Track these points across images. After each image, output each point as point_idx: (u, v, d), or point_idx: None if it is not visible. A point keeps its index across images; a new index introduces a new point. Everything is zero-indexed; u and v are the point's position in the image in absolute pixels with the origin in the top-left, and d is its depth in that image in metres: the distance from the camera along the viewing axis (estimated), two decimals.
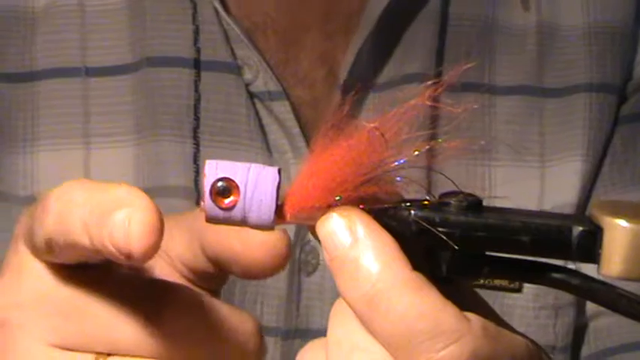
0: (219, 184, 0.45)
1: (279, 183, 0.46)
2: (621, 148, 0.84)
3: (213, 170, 0.46)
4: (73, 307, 0.49)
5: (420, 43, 0.81)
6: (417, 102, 0.46)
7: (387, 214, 0.46)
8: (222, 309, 0.50)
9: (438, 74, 0.81)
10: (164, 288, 0.50)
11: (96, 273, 0.50)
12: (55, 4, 0.79)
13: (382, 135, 0.46)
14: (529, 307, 0.81)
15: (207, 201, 0.46)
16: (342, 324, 0.46)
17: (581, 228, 0.45)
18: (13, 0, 0.79)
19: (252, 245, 0.51)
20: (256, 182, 0.45)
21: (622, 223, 0.44)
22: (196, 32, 0.78)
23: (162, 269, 0.54)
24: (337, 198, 0.46)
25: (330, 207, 0.46)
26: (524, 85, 0.83)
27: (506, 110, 0.83)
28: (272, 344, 0.78)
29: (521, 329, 0.80)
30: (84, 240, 0.45)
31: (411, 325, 0.44)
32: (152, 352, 0.49)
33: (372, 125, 0.45)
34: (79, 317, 0.49)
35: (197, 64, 0.78)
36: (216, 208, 0.46)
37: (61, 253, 0.48)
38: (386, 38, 0.80)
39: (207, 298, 0.50)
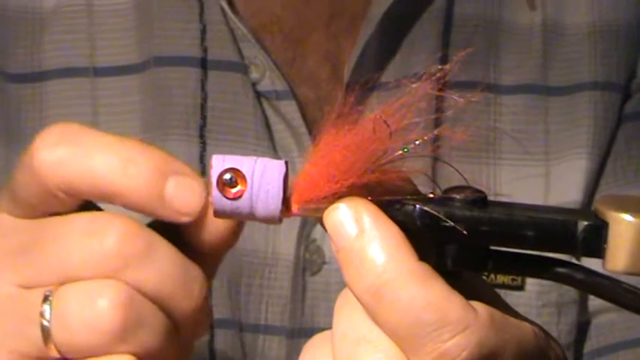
0: (226, 175, 0.46)
1: (285, 174, 0.46)
2: (624, 145, 0.84)
3: (220, 162, 0.46)
4: (31, 244, 0.50)
5: (424, 43, 0.81)
6: (420, 92, 0.46)
7: (393, 207, 0.46)
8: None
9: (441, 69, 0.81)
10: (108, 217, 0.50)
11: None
12: (63, 4, 0.80)
13: (386, 124, 0.46)
14: (532, 305, 0.81)
15: (214, 192, 0.46)
16: (347, 316, 0.46)
17: (586, 222, 0.45)
18: (22, 0, 0.79)
19: None
20: (263, 173, 0.45)
21: (627, 217, 0.44)
22: (203, 31, 0.79)
23: None
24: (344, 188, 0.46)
25: (337, 198, 0.46)
26: (529, 83, 0.83)
27: (512, 109, 0.83)
28: (277, 343, 0.78)
29: None
30: (115, 182, 0.47)
31: (417, 316, 0.44)
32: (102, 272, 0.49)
33: (376, 114, 0.45)
34: (36, 254, 0.49)
35: (204, 64, 0.78)
36: (224, 199, 0.46)
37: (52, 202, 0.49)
38: (390, 38, 0.80)
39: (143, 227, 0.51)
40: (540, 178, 0.83)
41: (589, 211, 0.46)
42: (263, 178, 0.46)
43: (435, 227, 0.46)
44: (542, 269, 0.47)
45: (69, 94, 0.79)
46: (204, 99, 0.79)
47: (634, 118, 0.85)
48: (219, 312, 0.78)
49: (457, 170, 0.48)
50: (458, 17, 0.82)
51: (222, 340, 0.78)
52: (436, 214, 0.46)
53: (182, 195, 0.48)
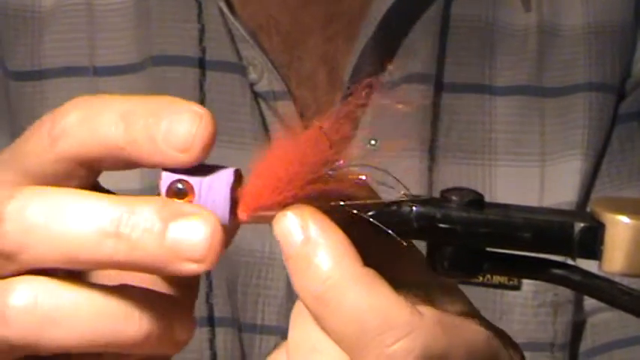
0: (176, 185, 0.45)
1: (233, 183, 0.45)
2: (618, 146, 0.84)
3: (170, 174, 0.45)
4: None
5: (421, 44, 0.81)
6: (358, 101, 0.46)
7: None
8: None
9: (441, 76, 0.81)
10: None
11: None
12: (63, 3, 0.80)
13: (325, 135, 0.45)
14: (528, 305, 0.82)
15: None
16: (300, 326, 0.46)
17: (582, 224, 0.45)
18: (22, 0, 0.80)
19: None
20: (210, 183, 0.45)
21: (623, 219, 0.45)
22: (202, 32, 0.79)
23: None
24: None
25: (284, 206, 0.45)
26: (524, 85, 0.83)
27: (506, 110, 0.83)
28: (273, 343, 0.78)
29: (520, 327, 0.81)
30: (114, 136, 0.44)
31: (360, 321, 0.44)
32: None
33: (316, 126, 0.45)
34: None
35: (202, 64, 0.79)
36: None
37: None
38: (389, 40, 0.80)
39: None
40: (535, 179, 0.83)
41: (585, 212, 0.46)
42: (211, 189, 0.45)
43: (432, 229, 0.46)
44: (539, 271, 0.48)
45: (68, 94, 0.79)
46: (202, 99, 0.79)
47: (628, 118, 0.85)
48: (220, 311, 0.78)
49: (397, 179, 0.47)
50: (454, 18, 0.83)
51: (223, 338, 0.78)
52: (431, 220, 0.46)
53: (175, 130, 0.45)
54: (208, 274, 0.78)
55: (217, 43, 0.79)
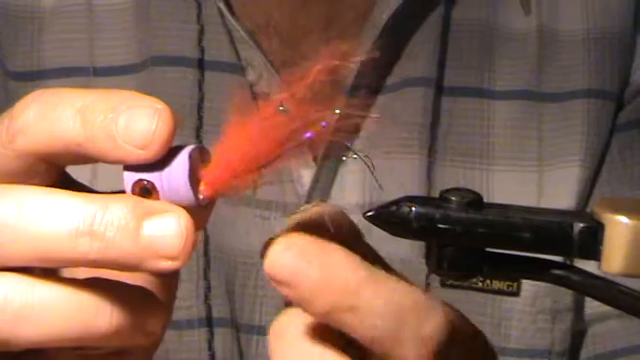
0: (139, 184, 0.45)
1: (191, 164, 0.44)
2: (618, 154, 0.84)
3: (131, 174, 0.45)
4: None
5: (422, 48, 0.81)
6: (319, 72, 0.46)
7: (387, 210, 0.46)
8: None
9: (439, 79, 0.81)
10: None
11: None
12: (63, 3, 0.80)
13: (286, 110, 0.45)
14: (526, 312, 0.81)
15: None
16: (289, 342, 0.45)
17: (582, 224, 0.45)
18: (21, 0, 0.80)
19: None
20: (169, 175, 0.44)
21: (623, 219, 0.44)
22: (201, 32, 0.79)
23: None
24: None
25: (248, 175, 0.45)
26: (523, 89, 0.83)
27: (505, 115, 0.83)
28: None
29: (518, 333, 0.81)
30: (72, 132, 0.44)
31: (395, 311, 0.44)
32: None
33: (274, 99, 0.45)
34: None
35: (201, 64, 0.79)
36: None
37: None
38: (392, 45, 0.80)
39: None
40: (533, 184, 0.83)
41: (585, 213, 0.46)
42: (170, 179, 0.44)
43: (431, 229, 0.46)
44: (538, 271, 0.47)
45: None
46: (201, 99, 0.79)
47: (628, 127, 0.85)
48: (218, 311, 0.78)
49: (369, 167, 0.47)
50: (455, 22, 0.83)
51: (222, 338, 0.78)
52: (430, 220, 0.46)
53: (134, 126, 0.44)
54: (206, 275, 0.78)
55: (216, 43, 0.79)
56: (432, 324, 0.44)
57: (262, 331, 0.79)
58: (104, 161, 0.45)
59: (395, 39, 0.80)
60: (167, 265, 0.43)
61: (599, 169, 0.84)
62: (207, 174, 0.45)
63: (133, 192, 0.45)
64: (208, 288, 0.78)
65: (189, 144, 0.46)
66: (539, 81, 0.84)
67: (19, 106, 0.45)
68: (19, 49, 0.80)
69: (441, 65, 0.82)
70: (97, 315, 0.44)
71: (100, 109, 0.44)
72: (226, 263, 0.78)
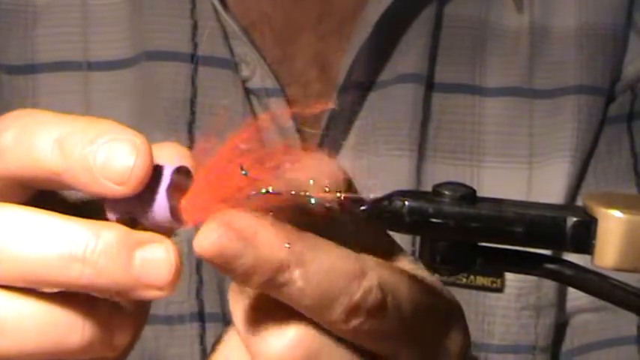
0: (123, 217, 0.45)
1: (171, 194, 0.44)
2: (605, 147, 0.84)
3: (112, 208, 0.45)
4: None
5: (414, 45, 0.81)
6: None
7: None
8: None
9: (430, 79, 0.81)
10: None
11: None
12: None
13: (242, 168, 0.44)
14: (511, 308, 0.82)
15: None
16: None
17: (575, 219, 0.45)
18: None
19: None
20: (151, 208, 0.44)
21: (616, 213, 0.45)
22: (194, 27, 0.79)
23: None
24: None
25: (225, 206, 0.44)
26: (514, 86, 0.84)
27: (496, 111, 0.83)
28: None
29: (502, 329, 0.82)
30: (50, 162, 0.44)
31: (327, 280, 0.44)
32: None
33: (228, 150, 0.45)
34: None
35: (194, 59, 0.78)
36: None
37: None
38: (385, 39, 0.80)
39: None
40: (523, 180, 0.83)
41: (578, 207, 0.46)
42: (152, 212, 0.45)
43: (424, 224, 0.46)
44: (531, 265, 0.48)
45: (61, 88, 0.80)
46: (194, 94, 0.79)
47: (617, 120, 0.85)
48: (210, 306, 0.78)
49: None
50: (447, 19, 0.83)
51: (213, 333, 0.78)
52: (423, 214, 0.46)
53: (112, 162, 0.43)
54: (198, 270, 0.78)
55: (210, 39, 0.79)
56: (364, 288, 0.44)
57: None
58: (83, 192, 0.45)
59: (387, 36, 0.80)
60: (155, 294, 0.44)
61: (587, 164, 0.84)
62: (188, 201, 0.45)
63: (118, 222, 0.45)
64: (200, 283, 0.78)
65: (169, 162, 0.45)
66: (531, 77, 0.84)
67: None
68: (12, 42, 0.80)
69: (432, 62, 0.82)
70: (70, 331, 0.45)
71: (78, 141, 0.43)
72: None
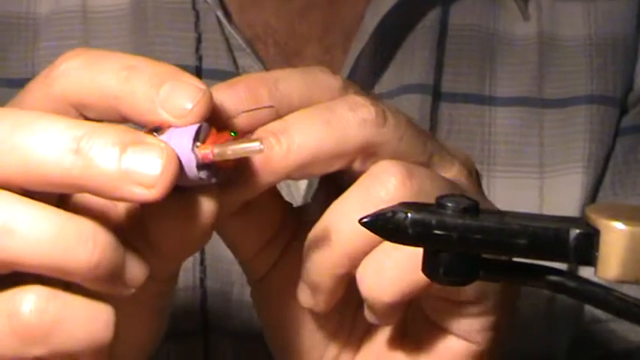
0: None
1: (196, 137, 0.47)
2: (622, 159, 0.84)
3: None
4: None
5: (418, 54, 0.81)
6: None
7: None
8: None
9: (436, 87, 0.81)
10: None
11: None
12: (58, 10, 0.80)
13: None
14: (525, 317, 0.81)
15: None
16: None
17: (578, 230, 0.45)
18: (16, 6, 0.79)
19: None
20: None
21: (619, 225, 0.44)
22: (198, 40, 0.79)
23: None
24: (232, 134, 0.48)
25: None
26: (524, 96, 0.83)
27: (506, 121, 0.83)
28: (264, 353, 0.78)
29: (516, 338, 0.81)
30: (113, 85, 0.46)
31: None
32: None
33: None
34: None
35: (199, 72, 0.78)
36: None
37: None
38: (383, 49, 0.80)
39: None
40: (534, 191, 0.83)
41: (580, 218, 0.46)
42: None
43: (427, 236, 0.46)
44: (535, 277, 0.47)
45: None
46: None
47: (631, 131, 0.85)
48: (215, 320, 0.78)
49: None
50: (453, 28, 0.82)
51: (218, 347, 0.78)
52: (426, 227, 0.46)
53: (175, 97, 0.47)
54: (203, 283, 0.78)
55: (214, 51, 0.79)
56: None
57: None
58: (134, 122, 0.47)
59: (386, 45, 0.80)
60: (143, 193, 0.44)
61: (602, 175, 0.84)
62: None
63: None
64: (205, 296, 0.78)
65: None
66: (540, 87, 0.84)
67: (64, 55, 0.48)
68: (13, 55, 0.80)
69: (439, 71, 0.82)
70: (78, 245, 0.45)
71: (147, 72, 0.47)
72: (222, 271, 0.78)
